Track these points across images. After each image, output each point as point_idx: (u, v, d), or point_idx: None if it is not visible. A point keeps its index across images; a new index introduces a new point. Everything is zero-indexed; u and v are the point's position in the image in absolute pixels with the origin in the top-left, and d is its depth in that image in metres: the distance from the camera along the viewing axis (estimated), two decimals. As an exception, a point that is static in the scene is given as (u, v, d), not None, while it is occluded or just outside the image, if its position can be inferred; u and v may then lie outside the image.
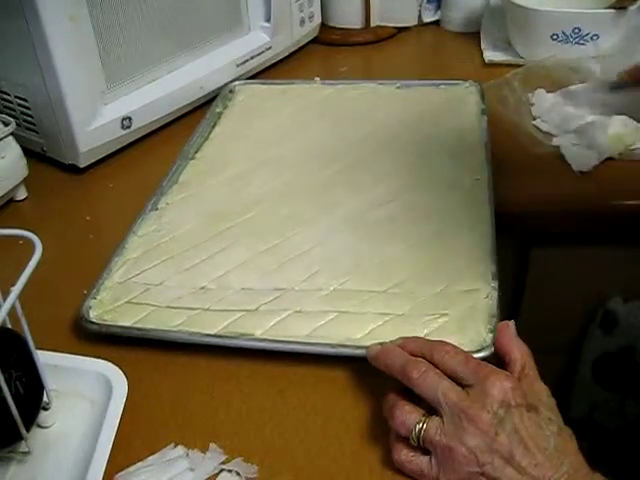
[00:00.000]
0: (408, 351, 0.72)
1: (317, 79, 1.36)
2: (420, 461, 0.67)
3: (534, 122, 1.19)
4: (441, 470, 0.65)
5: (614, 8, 1.32)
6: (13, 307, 0.63)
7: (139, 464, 0.70)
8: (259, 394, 0.78)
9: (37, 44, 1.04)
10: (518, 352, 0.71)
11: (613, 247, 1.13)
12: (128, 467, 0.70)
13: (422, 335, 0.78)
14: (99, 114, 1.15)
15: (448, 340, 0.73)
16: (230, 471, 0.70)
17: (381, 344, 0.75)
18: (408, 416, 0.67)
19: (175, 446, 0.72)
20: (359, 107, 1.27)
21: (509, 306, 1.20)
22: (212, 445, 0.72)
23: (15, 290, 0.62)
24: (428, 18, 1.65)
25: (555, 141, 1.14)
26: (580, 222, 1.08)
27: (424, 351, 0.71)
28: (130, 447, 0.72)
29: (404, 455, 0.68)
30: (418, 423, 0.66)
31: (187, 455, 0.71)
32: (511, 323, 0.75)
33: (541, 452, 0.63)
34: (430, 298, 0.84)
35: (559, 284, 1.17)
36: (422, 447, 0.67)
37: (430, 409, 0.68)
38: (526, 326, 1.19)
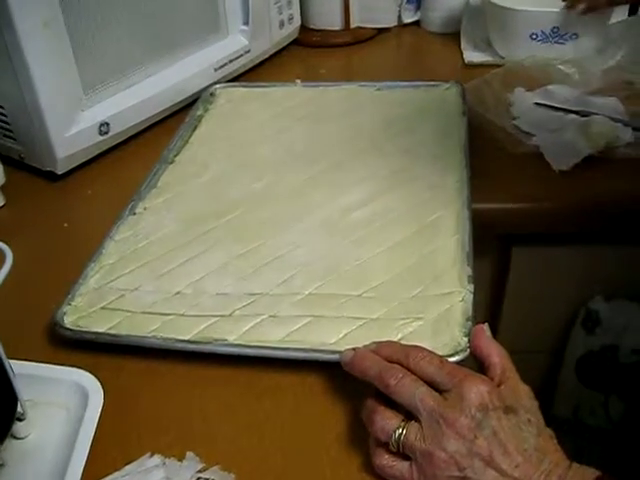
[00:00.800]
0: (383, 357, 0.71)
1: (298, 81, 1.36)
2: (401, 466, 0.67)
3: (514, 122, 1.19)
4: (422, 475, 0.65)
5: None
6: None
7: (116, 474, 0.70)
8: (236, 400, 0.78)
9: (11, 50, 1.03)
10: (497, 356, 0.71)
11: (594, 246, 1.14)
12: (104, 477, 0.69)
13: (396, 339, 0.78)
14: (76, 120, 1.14)
15: (422, 344, 0.73)
16: (207, 479, 0.69)
17: (354, 349, 0.74)
18: (387, 422, 0.67)
19: (152, 455, 0.71)
20: (339, 109, 1.27)
21: (490, 306, 1.20)
22: (189, 453, 0.71)
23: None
24: (408, 19, 1.65)
25: (535, 140, 1.14)
26: (560, 221, 1.08)
27: (399, 356, 0.70)
28: (107, 456, 0.71)
29: (385, 460, 0.67)
30: (398, 429, 0.66)
31: (164, 464, 0.70)
32: (486, 326, 0.75)
33: (521, 453, 0.63)
34: (405, 302, 0.83)
35: (540, 284, 1.17)
36: (402, 452, 0.66)
37: (409, 414, 0.67)
38: (508, 326, 1.20)
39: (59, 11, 1.06)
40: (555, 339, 1.26)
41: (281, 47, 1.54)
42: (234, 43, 1.41)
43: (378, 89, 1.32)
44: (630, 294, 1.18)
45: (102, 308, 0.87)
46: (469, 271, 0.86)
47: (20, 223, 1.10)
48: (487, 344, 0.73)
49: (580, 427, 1.30)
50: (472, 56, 1.47)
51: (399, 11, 1.64)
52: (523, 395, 0.67)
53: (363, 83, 1.34)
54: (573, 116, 1.17)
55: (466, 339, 0.77)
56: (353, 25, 1.62)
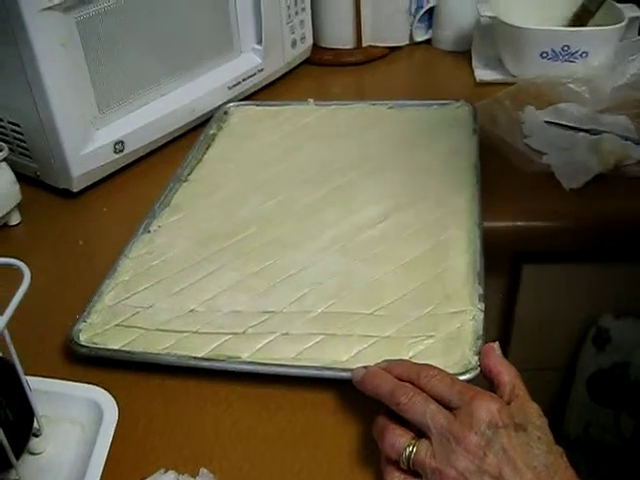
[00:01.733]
0: (394, 375, 0.72)
1: (310, 100, 1.36)
2: None
3: (525, 140, 1.20)
4: (432, 493, 0.65)
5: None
6: (1, 335, 0.63)
7: (130, 489, 0.70)
8: (248, 417, 0.79)
9: (28, 69, 1.05)
10: (506, 374, 0.72)
11: (604, 264, 1.14)
12: (119, 492, 0.70)
13: (407, 357, 0.78)
14: (91, 139, 1.15)
15: (433, 362, 0.73)
16: (220, 495, 0.70)
17: (365, 367, 0.75)
18: (398, 439, 0.67)
19: (165, 471, 0.72)
20: (351, 128, 1.28)
21: (501, 324, 1.21)
22: (202, 470, 0.72)
23: (2, 320, 0.62)
24: (419, 37, 1.66)
25: (545, 159, 1.14)
26: (571, 239, 1.09)
27: (410, 375, 0.71)
28: (121, 472, 0.72)
29: (396, 478, 0.68)
30: (408, 446, 0.66)
31: (178, 480, 0.71)
32: (496, 345, 0.75)
33: (530, 470, 0.63)
34: (416, 320, 0.84)
35: (551, 302, 1.17)
36: (413, 470, 0.67)
37: (419, 432, 0.68)
38: (519, 344, 1.20)
39: (76, 31, 1.08)
40: (566, 356, 1.26)
41: (294, 66, 1.55)
42: (247, 62, 1.42)
43: (390, 107, 1.32)
44: (640, 312, 1.18)
45: (117, 325, 0.88)
46: (480, 290, 0.86)
47: (36, 241, 1.11)
48: (497, 362, 0.73)
49: (591, 444, 1.30)
50: (483, 74, 1.48)
51: (411, 30, 1.64)
52: (532, 413, 0.68)
53: (375, 102, 1.34)
54: (584, 134, 1.17)
55: (476, 357, 0.77)
56: (365, 44, 1.63)
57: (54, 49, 1.05)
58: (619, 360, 1.21)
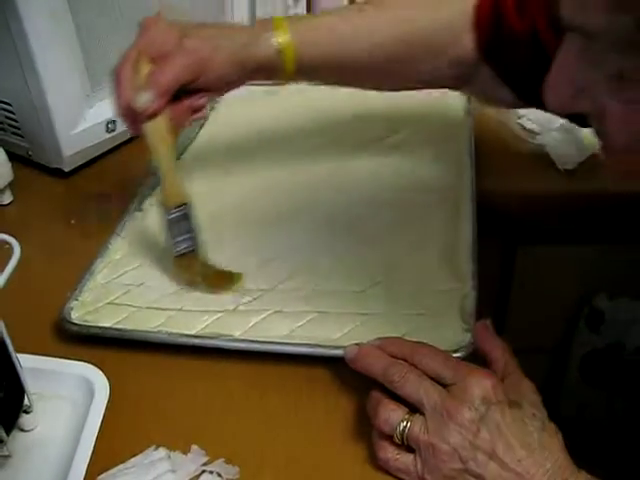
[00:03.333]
0: (387, 353, 0.72)
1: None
2: (405, 459, 0.67)
3: (519, 120, 1.20)
4: (425, 468, 0.65)
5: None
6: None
7: (121, 466, 0.70)
8: (240, 395, 0.78)
9: (19, 48, 1.04)
10: (499, 351, 0.72)
11: (598, 244, 1.14)
12: (110, 469, 0.70)
13: (400, 335, 0.78)
14: (83, 118, 1.15)
15: (426, 340, 0.73)
16: (212, 472, 0.69)
17: (358, 345, 0.75)
18: (392, 414, 0.67)
19: (157, 448, 0.72)
20: (343, 109, 1.27)
21: (496, 306, 1.21)
22: (194, 446, 0.72)
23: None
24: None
25: (539, 139, 1.14)
26: (565, 220, 1.09)
27: (403, 353, 0.71)
28: (112, 449, 0.72)
29: (390, 453, 0.68)
30: (402, 421, 0.67)
31: (169, 457, 0.71)
32: (489, 322, 0.75)
33: (524, 448, 0.63)
34: (408, 297, 0.84)
35: (545, 282, 1.17)
36: (406, 445, 0.67)
37: (413, 408, 0.68)
38: (513, 325, 1.20)
39: (67, 7, 1.06)
40: (560, 337, 1.26)
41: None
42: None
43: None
44: (634, 292, 1.18)
45: (109, 303, 0.88)
46: (473, 267, 0.86)
47: (28, 220, 1.10)
48: (490, 339, 0.74)
49: (584, 425, 1.30)
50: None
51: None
52: (527, 389, 0.68)
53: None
54: (578, 114, 1.17)
55: (469, 335, 0.77)
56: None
57: (45, 25, 1.04)
58: (613, 341, 1.21)
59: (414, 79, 0.97)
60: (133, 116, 0.83)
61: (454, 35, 0.90)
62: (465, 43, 0.90)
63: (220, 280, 0.88)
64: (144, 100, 0.80)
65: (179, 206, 0.86)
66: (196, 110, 0.88)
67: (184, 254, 0.87)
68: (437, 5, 0.92)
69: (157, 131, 0.83)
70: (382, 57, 0.92)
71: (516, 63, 0.86)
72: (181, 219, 0.86)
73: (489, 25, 0.87)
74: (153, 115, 0.82)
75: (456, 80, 0.95)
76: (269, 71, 0.90)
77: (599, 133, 0.59)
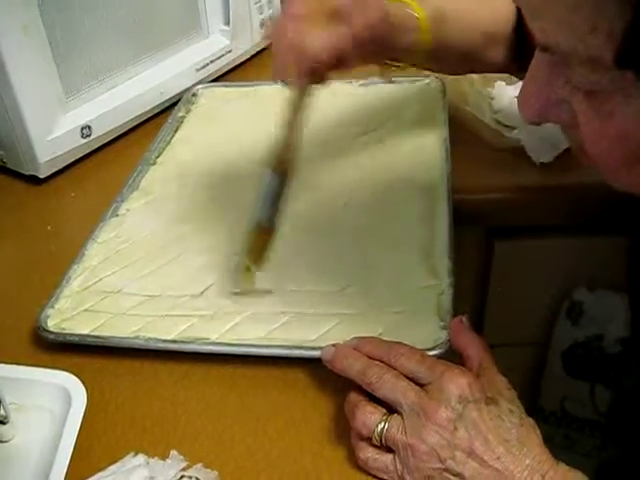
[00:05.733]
0: (364, 353, 0.72)
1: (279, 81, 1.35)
2: (384, 459, 0.67)
3: (494, 116, 1.19)
4: (405, 468, 0.66)
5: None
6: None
7: (99, 474, 0.70)
8: (219, 399, 0.78)
9: (-10, 55, 1.03)
10: (474, 348, 0.72)
11: (576, 237, 1.14)
12: (88, 477, 0.69)
13: (377, 334, 0.78)
14: (58, 124, 1.14)
15: (402, 338, 0.74)
16: (190, 477, 0.69)
17: (335, 346, 0.75)
18: (369, 416, 0.68)
19: (135, 454, 0.72)
20: (322, 106, 1.25)
21: (475, 300, 1.21)
22: (172, 452, 0.72)
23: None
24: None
25: (516, 134, 1.14)
26: (542, 214, 1.09)
27: (380, 353, 0.71)
28: (90, 457, 0.72)
29: (369, 453, 0.68)
30: (380, 422, 0.67)
31: (147, 463, 0.70)
32: (465, 318, 0.76)
33: (503, 444, 0.63)
34: (385, 296, 0.84)
35: (524, 276, 1.17)
36: (385, 446, 0.67)
37: (391, 408, 0.68)
38: (493, 319, 1.20)
39: (38, 15, 1.06)
40: (540, 331, 1.26)
41: (263, 47, 1.53)
42: (215, 43, 1.40)
43: (361, 85, 1.31)
44: (613, 284, 1.18)
45: (85, 310, 0.87)
46: (449, 264, 0.86)
47: (3, 227, 1.10)
48: (465, 336, 0.74)
49: (567, 418, 1.30)
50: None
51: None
52: (501, 385, 0.68)
53: (345, 80, 1.33)
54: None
55: (446, 332, 0.77)
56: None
57: (16, 33, 1.03)
58: (593, 333, 1.22)
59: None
60: (310, 71, 0.81)
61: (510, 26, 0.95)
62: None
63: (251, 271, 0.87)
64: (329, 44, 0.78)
65: (283, 173, 0.85)
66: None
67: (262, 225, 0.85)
68: None
69: (305, 93, 0.83)
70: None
71: None
72: (277, 187, 0.85)
73: None
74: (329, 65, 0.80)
75: (506, 64, 1.00)
76: (405, 38, 0.89)
77: (573, 141, 0.60)
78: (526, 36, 0.91)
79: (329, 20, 0.79)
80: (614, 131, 0.53)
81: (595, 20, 0.47)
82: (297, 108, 0.83)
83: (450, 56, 0.97)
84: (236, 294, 0.87)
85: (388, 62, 0.96)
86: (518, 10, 0.93)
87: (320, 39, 0.78)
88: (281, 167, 0.85)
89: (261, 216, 0.85)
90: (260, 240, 0.86)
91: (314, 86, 0.82)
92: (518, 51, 0.95)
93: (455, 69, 1.07)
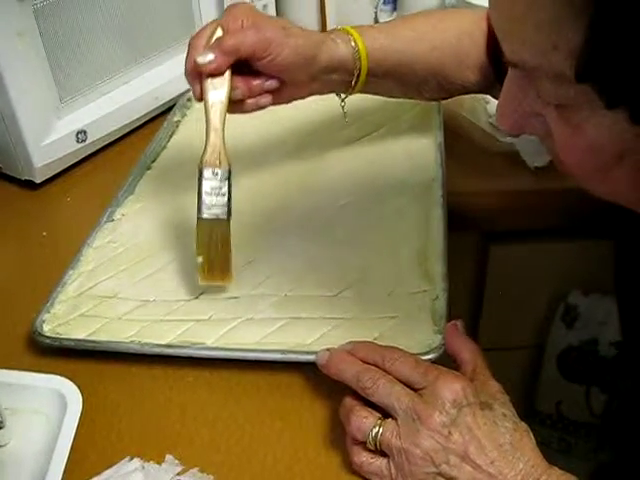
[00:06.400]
0: (358, 358, 0.72)
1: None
2: (379, 463, 0.68)
3: (489, 120, 1.20)
4: (399, 472, 0.66)
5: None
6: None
7: (95, 478, 0.70)
8: (214, 403, 0.78)
9: (-15, 61, 1.03)
10: (468, 353, 0.72)
11: (571, 241, 1.14)
12: (84, 482, 0.69)
13: (372, 339, 0.78)
14: (53, 129, 1.14)
15: (397, 343, 0.74)
16: (186, 481, 0.70)
17: (329, 350, 0.75)
18: (364, 421, 0.68)
19: (131, 459, 0.72)
20: (316, 109, 1.26)
21: (470, 305, 1.21)
22: (168, 456, 0.72)
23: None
24: (384, 19, 1.65)
25: (510, 138, 1.14)
26: (537, 218, 1.09)
27: (375, 358, 0.71)
28: (86, 461, 0.72)
29: (363, 457, 0.68)
30: (374, 427, 0.67)
31: (143, 467, 0.71)
32: (459, 323, 0.76)
33: (496, 449, 0.64)
34: (380, 301, 0.84)
35: (519, 281, 1.18)
36: (380, 450, 0.67)
37: (385, 412, 0.68)
38: (489, 324, 1.21)
39: (33, 20, 1.06)
40: (535, 334, 1.27)
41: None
42: (210, 48, 1.40)
43: (355, 89, 1.31)
44: (608, 288, 1.19)
45: (81, 315, 0.87)
46: (443, 269, 0.86)
47: (-1, 232, 1.10)
48: (459, 340, 0.74)
49: (563, 421, 1.31)
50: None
51: (375, 12, 1.64)
52: (495, 390, 0.68)
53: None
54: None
55: (440, 337, 0.77)
56: (330, 27, 1.62)
57: (11, 39, 1.03)
58: (588, 336, 1.22)
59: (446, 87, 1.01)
60: (197, 76, 0.86)
61: (475, 43, 0.96)
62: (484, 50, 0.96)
63: (217, 269, 0.87)
64: (204, 57, 0.84)
65: (217, 169, 0.86)
66: (267, 92, 0.90)
67: (210, 219, 0.86)
68: (460, 16, 1.00)
69: (215, 93, 0.86)
70: (429, 64, 0.97)
71: None
72: (216, 183, 0.86)
73: None
74: (212, 73, 0.85)
75: (480, 86, 0.99)
76: (341, 71, 0.93)
77: (550, 152, 0.62)
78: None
79: None
80: (584, 142, 0.55)
81: (556, 38, 0.50)
82: (207, 110, 0.87)
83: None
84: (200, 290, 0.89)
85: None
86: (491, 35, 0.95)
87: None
88: (214, 163, 0.87)
89: (209, 212, 0.86)
90: (206, 234, 0.86)
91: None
92: (496, 74, 0.96)
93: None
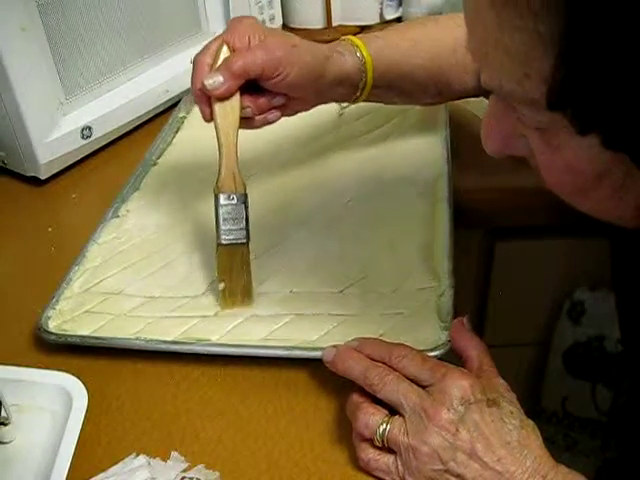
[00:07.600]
0: (365, 354, 0.72)
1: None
2: (386, 460, 0.68)
3: (496, 116, 1.19)
4: (406, 469, 0.66)
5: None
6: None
7: (101, 475, 0.70)
8: (220, 400, 0.78)
9: (-11, 56, 1.03)
10: (474, 349, 0.72)
11: (576, 238, 1.14)
12: (90, 478, 0.69)
13: (377, 335, 0.78)
14: (58, 125, 1.14)
15: (403, 339, 0.74)
16: (191, 478, 0.69)
17: (336, 347, 0.75)
18: (371, 418, 0.68)
19: (137, 455, 0.72)
20: (322, 106, 1.26)
21: (476, 302, 1.21)
22: (174, 453, 0.72)
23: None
24: (390, 15, 1.65)
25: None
26: (543, 214, 1.08)
27: (382, 355, 0.71)
28: (92, 458, 0.72)
29: (370, 454, 0.68)
30: (382, 424, 0.67)
31: (149, 464, 0.71)
32: (465, 320, 0.76)
33: (503, 446, 0.63)
34: (385, 297, 0.84)
35: (525, 277, 1.17)
36: (387, 447, 0.67)
37: (393, 409, 0.68)
38: (495, 320, 1.20)
39: (37, 16, 1.06)
40: (541, 331, 1.27)
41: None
42: (215, 44, 1.40)
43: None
44: (614, 284, 1.18)
45: (86, 311, 0.87)
46: (449, 265, 0.86)
47: (4, 229, 1.09)
48: (465, 337, 0.74)
49: (569, 418, 1.30)
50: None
51: (381, 8, 1.63)
52: (502, 388, 0.68)
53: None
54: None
55: (446, 333, 0.77)
56: (335, 23, 1.62)
57: (15, 35, 1.03)
58: (595, 332, 1.22)
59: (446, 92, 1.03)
60: (205, 98, 0.85)
61: None
62: None
63: (238, 294, 0.86)
64: (213, 80, 0.82)
65: (232, 194, 0.85)
66: (275, 108, 0.90)
67: (230, 244, 0.85)
68: (454, 22, 1.00)
69: (225, 115, 0.85)
70: (429, 72, 0.99)
71: None
72: (233, 207, 0.85)
73: None
74: (222, 96, 0.84)
75: (480, 90, 0.99)
76: (347, 85, 0.93)
77: (535, 171, 0.63)
78: None
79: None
80: (563, 164, 0.56)
81: (527, 66, 0.50)
82: (218, 132, 0.86)
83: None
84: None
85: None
86: None
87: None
88: (230, 187, 0.86)
89: (227, 238, 0.85)
90: (227, 260, 0.86)
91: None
92: None
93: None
